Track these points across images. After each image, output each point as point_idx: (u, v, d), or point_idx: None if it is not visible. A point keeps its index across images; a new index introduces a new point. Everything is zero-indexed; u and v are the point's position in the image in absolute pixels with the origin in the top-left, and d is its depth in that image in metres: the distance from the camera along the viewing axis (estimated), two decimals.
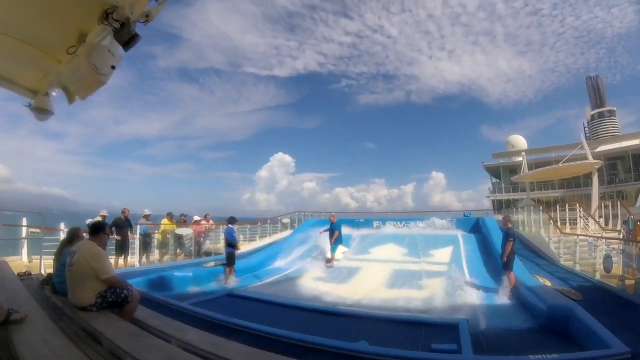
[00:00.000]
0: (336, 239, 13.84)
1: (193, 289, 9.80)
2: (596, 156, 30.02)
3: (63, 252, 4.98)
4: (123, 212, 12.47)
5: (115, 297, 4.27)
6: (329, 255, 14.03)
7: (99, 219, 10.71)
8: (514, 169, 42.00)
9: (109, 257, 4.99)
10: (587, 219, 16.03)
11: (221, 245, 15.74)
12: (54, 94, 4.92)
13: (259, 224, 21.08)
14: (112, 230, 11.47)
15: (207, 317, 5.93)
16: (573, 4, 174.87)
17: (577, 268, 11.35)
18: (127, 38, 3.49)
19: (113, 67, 3.78)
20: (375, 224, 21.59)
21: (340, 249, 14.68)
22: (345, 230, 19.24)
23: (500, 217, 13.23)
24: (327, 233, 14.37)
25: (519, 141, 48.80)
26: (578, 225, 15.87)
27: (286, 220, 22.66)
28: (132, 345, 3.09)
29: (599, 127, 55.54)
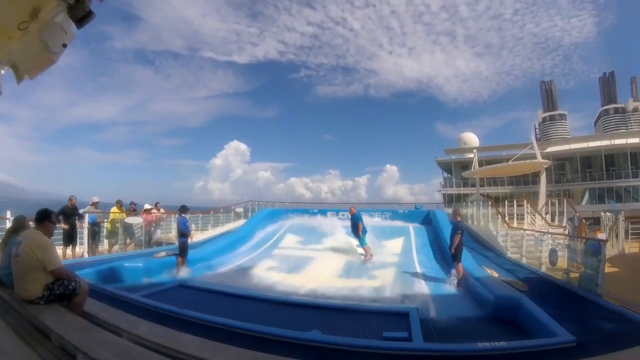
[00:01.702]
0: (362, 230, 13.11)
1: (144, 280, 9.55)
2: (545, 156, 31.46)
3: (9, 242, 4.76)
4: (70, 199, 11.93)
5: (63, 290, 4.14)
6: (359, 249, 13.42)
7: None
8: (465, 165, 43.59)
9: (56, 247, 4.79)
10: (534, 215, 16.82)
11: (173, 235, 15.49)
12: (2, 72, 4.71)
13: (211, 213, 20.85)
14: (59, 218, 11.07)
15: (159, 309, 5.82)
16: (534, 12, 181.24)
17: (524, 261, 11.90)
18: (81, 15, 3.39)
19: (65, 45, 3.65)
20: (329, 214, 21.77)
21: (294, 238, 14.64)
22: (299, 220, 19.37)
23: (450, 210, 13.62)
24: (360, 230, 13.34)
25: (471, 139, 50.46)
26: (525, 220, 16.63)
27: (240, 209, 22.52)
28: (83, 340, 3.01)
29: (549, 129, 58.45)
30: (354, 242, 14.54)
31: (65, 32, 3.61)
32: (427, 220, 18.53)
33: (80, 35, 3.82)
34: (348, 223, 16.98)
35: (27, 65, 3.91)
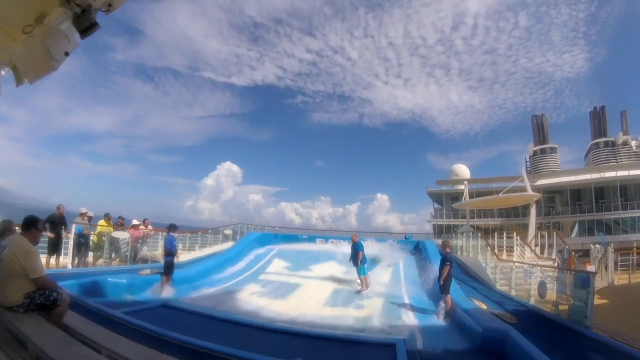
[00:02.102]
0: (362, 260, 12.86)
1: (127, 297, 9.39)
2: (536, 189, 31.75)
3: None
4: (58, 208, 11.78)
5: (43, 300, 4.05)
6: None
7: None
8: (455, 196, 43.84)
9: (41, 255, 4.70)
10: (523, 247, 16.84)
11: (159, 252, 15.30)
12: (2, 73, 4.69)
13: (199, 233, 20.65)
14: (45, 226, 10.91)
15: (141, 327, 5.68)
16: (528, 47, 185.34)
17: (513, 293, 11.87)
18: (86, 25, 3.41)
19: (67, 54, 3.66)
20: (318, 241, 21.66)
21: (281, 263, 14.48)
22: (288, 246, 19.25)
23: (440, 241, 13.62)
24: (359, 258, 13.06)
25: (463, 170, 50.92)
26: (515, 252, 16.66)
27: (228, 231, 22.30)
28: (60, 353, 2.92)
29: (540, 162, 58.94)
30: (343, 269, 14.44)
31: (68, 41, 3.63)
32: (417, 250, 18.49)
33: (82, 44, 3.84)
34: (337, 250, 16.87)
35: (27, 69, 3.91)
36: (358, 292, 12.32)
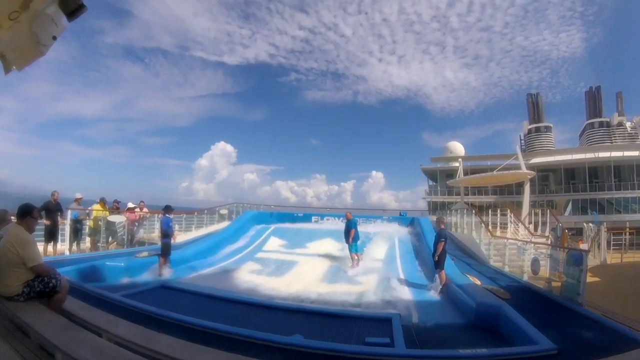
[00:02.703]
0: (354, 237, 12.97)
1: (125, 280, 9.44)
2: (530, 167, 31.79)
3: None
4: (53, 194, 11.73)
5: (43, 287, 4.09)
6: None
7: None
8: (450, 174, 43.94)
9: (37, 243, 4.72)
10: (517, 225, 16.96)
11: (155, 234, 15.35)
12: None
13: (195, 214, 20.73)
14: (41, 214, 10.91)
15: (140, 309, 5.77)
16: (524, 25, 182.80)
17: (506, 269, 12.01)
18: (73, 8, 3.37)
19: (54, 38, 3.60)
20: (313, 218, 21.78)
21: (278, 242, 14.57)
22: (284, 224, 19.36)
23: (434, 218, 13.72)
24: (351, 235, 13.20)
25: (457, 148, 50.99)
26: (508, 229, 16.71)
27: (224, 211, 22.33)
28: (62, 339, 2.97)
29: (535, 140, 59.42)
30: (338, 246, 14.56)
31: (55, 24, 3.56)
32: (412, 227, 18.66)
33: (70, 29, 3.79)
34: (333, 227, 16.96)
35: (15, 55, 3.84)
36: (350, 268, 12.45)
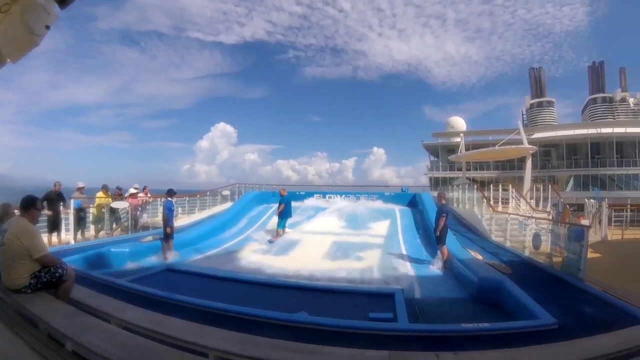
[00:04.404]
0: (282, 213, 13.48)
1: (131, 265, 9.51)
2: (532, 142, 31.71)
3: None
4: (55, 185, 11.76)
5: (49, 277, 4.11)
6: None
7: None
8: (452, 149, 43.89)
9: (41, 234, 4.76)
10: (519, 200, 17.02)
11: (159, 219, 15.44)
12: None
13: (198, 196, 20.75)
14: (43, 205, 10.96)
15: (147, 293, 5.86)
16: None
17: (508, 244, 12.08)
18: None
19: (47, 27, 3.55)
20: (316, 196, 21.87)
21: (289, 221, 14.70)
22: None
23: (436, 193, 13.77)
24: (279, 209, 13.97)
25: (459, 123, 50.66)
26: (510, 204, 16.85)
27: (226, 192, 22.41)
28: (71, 327, 3.03)
29: (537, 115, 59.29)
30: (341, 224, 14.70)
31: (48, 13, 3.52)
32: (413, 203, 18.80)
33: (64, 17, 3.75)
34: (336, 205, 17.19)
35: (9, 48, 3.80)
36: (270, 241, 12.93)
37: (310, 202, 20.66)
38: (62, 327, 3.04)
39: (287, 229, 13.89)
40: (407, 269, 9.72)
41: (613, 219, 17.68)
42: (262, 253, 11.74)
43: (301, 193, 22.34)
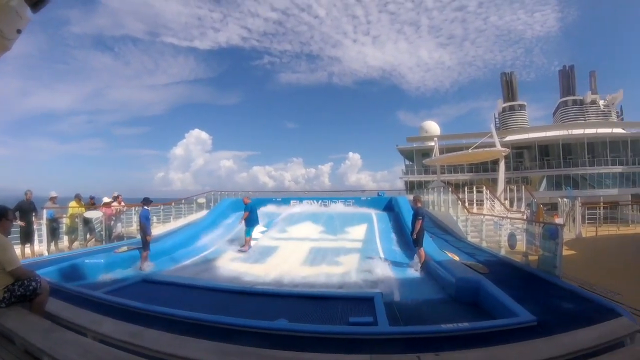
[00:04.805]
0: (247, 221, 13.15)
1: (106, 276, 9.24)
2: (505, 145, 32.49)
3: None
4: (26, 194, 11.49)
5: (23, 290, 4.01)
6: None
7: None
8: (426, 153, 44.46)
9: (13, 245, 4.62)
10: (493, 201, 17.35)
11: (134, 228, 15.20)
12: None
13: (173, 204, 20.43)
14: (15, 215, 10.66)
15: (123, 305, 5.72)
16: (498, 5, 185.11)
17: (484, 244, 12.28)
18: None
19: (19, 31, 3.50)
20: (292, 202, 21.83)
21: (259, 228, 14.57)
22: (265, 209, 19.32)
23: (411, 197, 13.91)
24: (243, 217, 13.52)
25: (432, 127, 51.63)
26: (485, 206, 17.16)
27: (201, 200, 22.24)
28: (47, 342, 2.98)
29: (509, 118, 60.60)
30: (318, 229, 14.72)
31: (20, 17, 3.45)
32: (390, 206, 18.93)
33: (35, 20, 3.68)
34: (312, 210, 17.22)
35: None
36: (240, 251, 12.68)
37: (287, 208, 20.58)
38: (39, 342, 2.99)
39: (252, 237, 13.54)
40: (385, 272, 9.72)
41: (586, 216, 18.18)
42: (240, 261, 11.62)
43: (277, 199, 22.41)
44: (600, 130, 40.60)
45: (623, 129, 42.60)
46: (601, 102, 57.42)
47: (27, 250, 11.33)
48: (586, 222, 17.79)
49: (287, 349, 3.37)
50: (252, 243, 13.28)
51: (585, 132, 40.43)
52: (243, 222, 13.21)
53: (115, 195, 15.33)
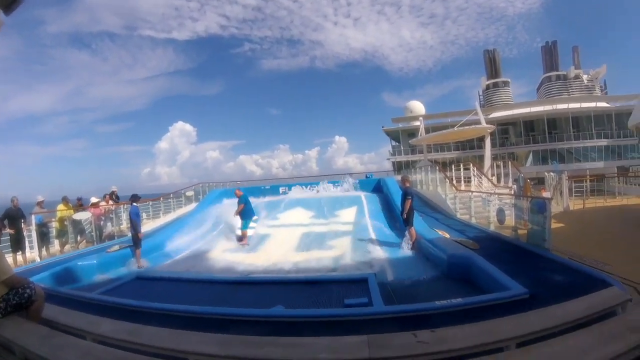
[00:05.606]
0: (242, 213, 12.94)
1: (100, 277, 9.20)
2: (490, 122, 32.56)
3: None
4: (12, 200, 11.34)
5: (18, 299, 3.97)
6: (239, 232, 13.05)
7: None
8: (412, 133, 44.63)
9: (4, 254, 4.59)
10: (480, 178, 17.50)
11: (124, 226, 15.11)
12: None
13: (161, 199, 20.28)
14: (4, 223, 10.54)
15: (120, 304, 5.73)
16: None
17: (473, 221, 12.48)
18: (9, 1, 3.26)
19: None
20: (281, 189, 21.82)
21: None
22: (252, 199, 19.31)
23: (399, 177, 13.98)
24: (238, 210, 13.17)
25: (417, 107, 51.54)
26: (472, 183, 17.35)
27: (190, 193, 22.15)
28: (46, 349, 2.99)
29: (493, 95, 61.04)
30: (309, 214, 14.77)
31: None
32: (378, 188, 18.97)
33: (9, 23, 3.63)
34: (301, 196, 17.18)
35: None
36: (241, 245, 12.44)
37: (277, 195, 20.50)
38: (38, 349, 2.99)
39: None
40: (377, 253, 9.83)
41: (574, 190, 18.47)
42: (233, 251, 11.63)
43: (266, 187, 22.17)
44: (585, 105, 40.97)
45: (607, 103, 42.98)
46: (585, 77, 58.17)
47: (20, 258, 11.20)
48: (573, 195, 18.12)
49: (285, 335, 3.42)
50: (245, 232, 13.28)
51: (570, 106, 40.89)
52: (238, 215, 12.97)
53: (113, 189, 15.23)
